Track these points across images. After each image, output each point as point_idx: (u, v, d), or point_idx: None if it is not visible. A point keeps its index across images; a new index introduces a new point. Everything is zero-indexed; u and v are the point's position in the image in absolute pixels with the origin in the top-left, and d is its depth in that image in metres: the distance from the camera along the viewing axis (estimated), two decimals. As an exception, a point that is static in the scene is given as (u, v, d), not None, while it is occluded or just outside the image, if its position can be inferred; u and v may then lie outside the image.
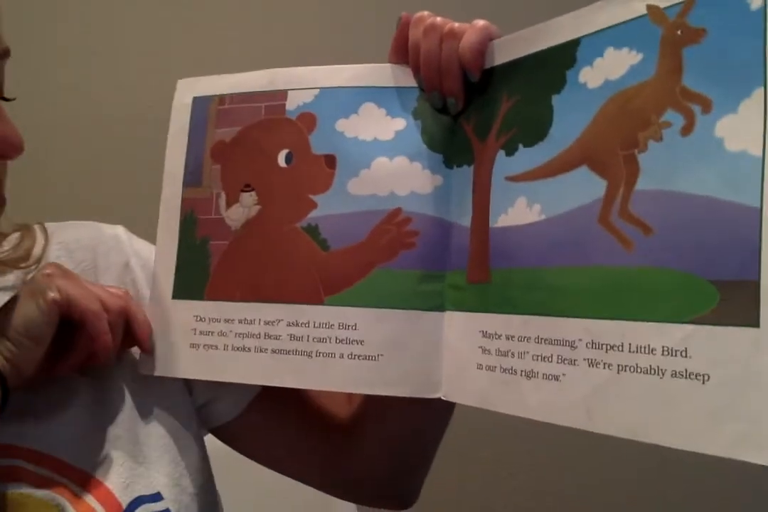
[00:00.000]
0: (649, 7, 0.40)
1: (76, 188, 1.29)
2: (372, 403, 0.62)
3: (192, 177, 0.58)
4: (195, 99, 0.59)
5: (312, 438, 0.63)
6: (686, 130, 0.37)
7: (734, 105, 0.35)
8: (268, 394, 0.62)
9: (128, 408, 0.56)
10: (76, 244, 0.60)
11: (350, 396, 0.64)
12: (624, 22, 0.42)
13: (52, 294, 0.50)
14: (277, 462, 0.65)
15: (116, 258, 0.60)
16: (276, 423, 0.63)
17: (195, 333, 0.56)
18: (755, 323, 0.33)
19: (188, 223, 0.57)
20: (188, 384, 0.60)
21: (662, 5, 0.40)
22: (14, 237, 0.59)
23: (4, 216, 0.55)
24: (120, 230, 0.63)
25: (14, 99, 0.51)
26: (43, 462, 0.51)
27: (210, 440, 0.64)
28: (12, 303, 0.50)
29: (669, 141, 0.38)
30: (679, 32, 0.38)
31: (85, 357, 0.54)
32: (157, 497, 0.54)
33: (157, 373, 0.57)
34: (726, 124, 0.36)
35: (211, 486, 0.61)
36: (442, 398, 0.51)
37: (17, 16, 1.29)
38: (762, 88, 0.34)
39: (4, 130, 0.48)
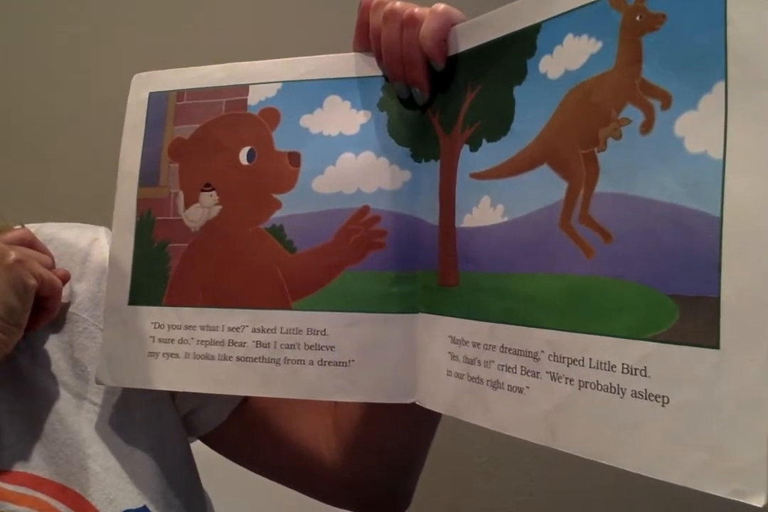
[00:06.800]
0: (609, -11, 0.37)
1: (70, 186, 1.28)
2: (355, 407, 0.60)
3: (148, 176, 0.55)
4: (151, 94, 0.56)
5: (299, 443, 0.62)
6: (645, 127, 0.34)
7: (694, 101, 0.32)
8: (253, 400, 0.60)
9: (107, 422, 0.55)
10: (54, 251, 0.57)
11: None
12: (585, 6, 0.38)
13: (33, 282, 0.50)
14: (264, 467, 0.63)
15: (94, 264, 0.58)
16: (262, 428, 0.61)
17: (153, 341, 0.53)
18: (715, 344, 0.30)
19: (145, 225, 0.55)
20: (171, 392, 0.58)
21: (622, -13, 0.36)
22: None
23: None
24: (102, 234, 0.60)
25: None
26: (19, 480, 0.51)
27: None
28: None
29: (628, 139, 0.35)
30: (638, 18, 0.35)
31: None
32: (143, 511, 0.53)
33: (113, 384, 0.54)
34: (686, 122, 0.32)
35: (198, 493, 0.60)
36: (417, 403, 0.49)
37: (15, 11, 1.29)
38: (723, 83, 0.31)
39: None
